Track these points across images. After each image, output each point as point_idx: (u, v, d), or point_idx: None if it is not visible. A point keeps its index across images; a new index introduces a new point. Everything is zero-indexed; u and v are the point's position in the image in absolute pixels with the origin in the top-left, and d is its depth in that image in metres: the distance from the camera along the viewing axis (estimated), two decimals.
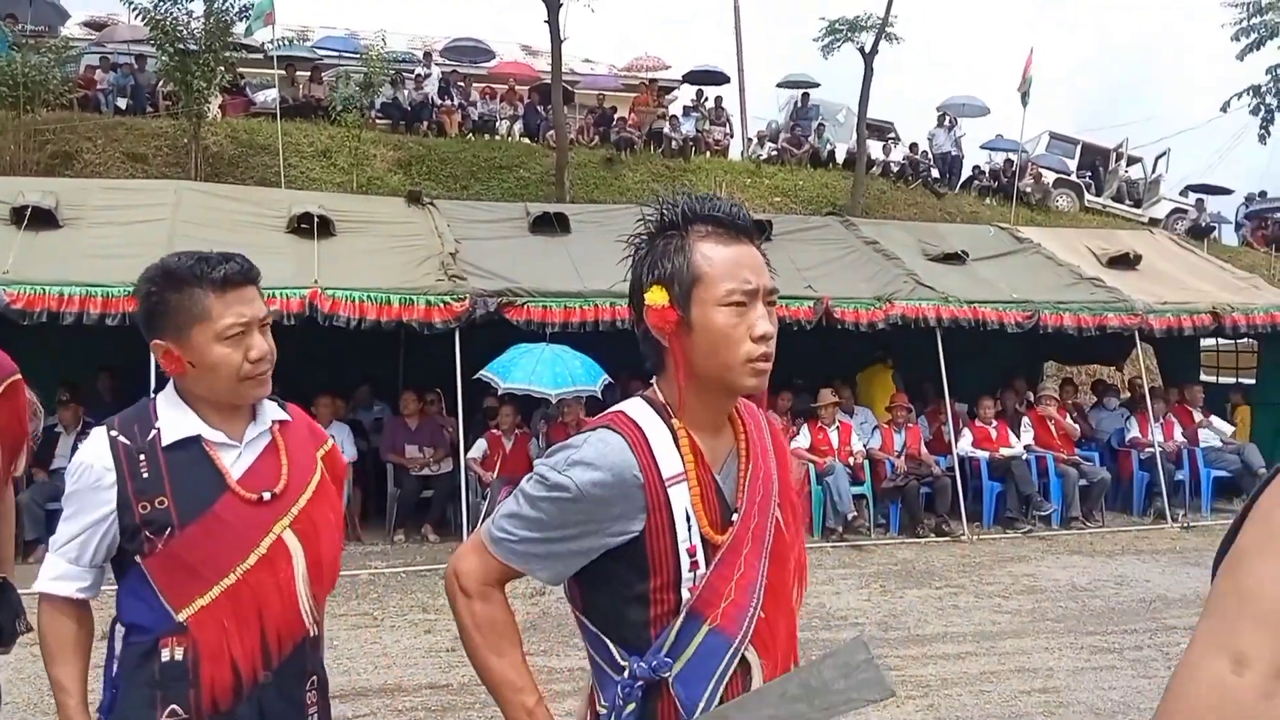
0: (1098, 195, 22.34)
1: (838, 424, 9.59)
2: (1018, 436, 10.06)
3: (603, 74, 24.44)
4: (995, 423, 10.02)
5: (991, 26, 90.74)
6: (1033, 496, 9.57)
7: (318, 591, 1.99)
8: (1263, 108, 21.85)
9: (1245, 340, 12.20)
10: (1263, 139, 22.21)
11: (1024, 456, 9.78)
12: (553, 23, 15.16)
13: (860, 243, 10.99)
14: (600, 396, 9.01)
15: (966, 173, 21.42)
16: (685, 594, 1.55)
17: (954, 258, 10.80)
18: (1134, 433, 10.54)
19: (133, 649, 1.90)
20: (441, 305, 8.26)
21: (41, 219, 8.43)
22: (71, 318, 7.52)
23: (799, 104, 21.33)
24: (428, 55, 19.94)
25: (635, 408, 1.64)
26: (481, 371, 8.33)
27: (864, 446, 9.64)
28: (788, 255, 10.35)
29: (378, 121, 17.34)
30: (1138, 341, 10.70)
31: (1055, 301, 10.07)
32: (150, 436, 1.92)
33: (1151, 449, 10.06)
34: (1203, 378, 12.60)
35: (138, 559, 1.88)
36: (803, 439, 9.45)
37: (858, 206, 16.39)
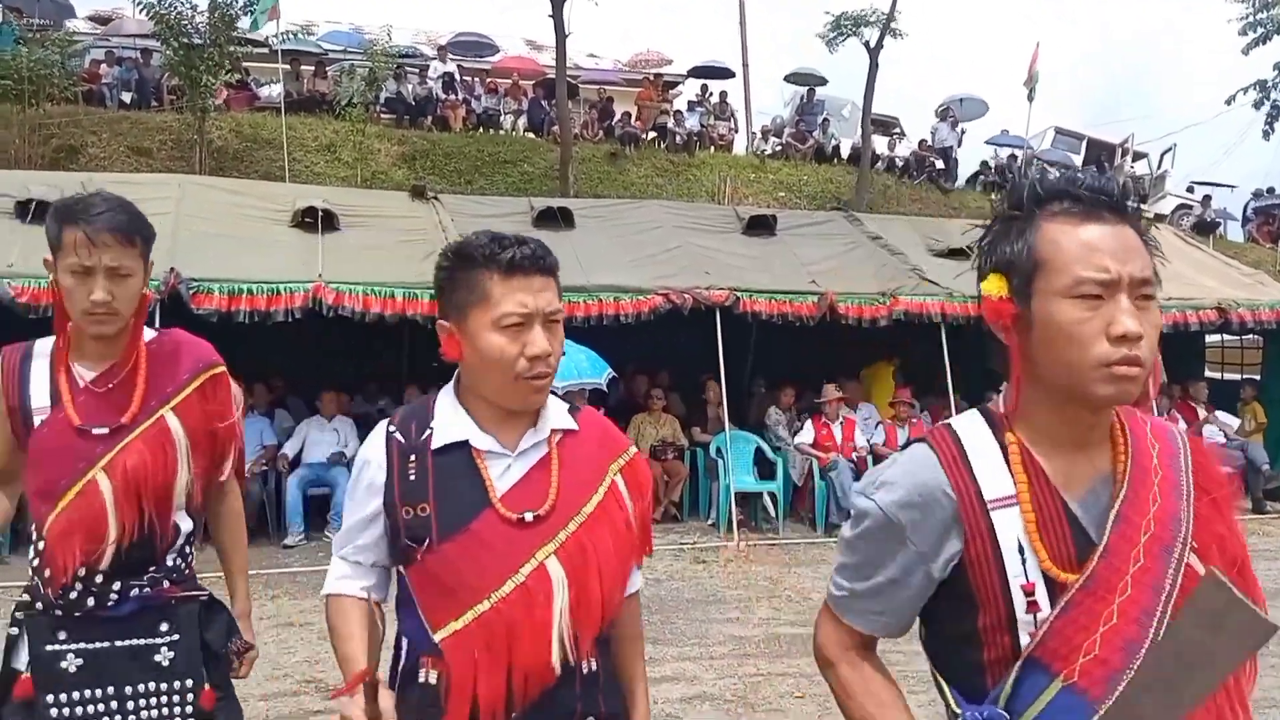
0: None
1: (842, 419, 9.60)
2: None
3: (607, 68, 24.43)
4: None
5: (996, 21, 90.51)
6: None
7: (582, 631, 1.71)
8: (1268, 103, 21.76)
9: (1251, 336, 12.17)
10: (1267, 135, 22.12)
11: None
12: (557, 17, 15.14)
13: (865, 238, 10.99)
14: (606, 390, 9.04)
15: (965, 166, 21.39)
16: (1024, 638, 1.33)
17: (959, 253, 10.78)
18: None
19: (402, 663, 1.78)
20: None
21: (46, 213, 8.44)
22: None
23: (805, 99, 21.28)
24: (442, 50, 19.93)
25: (965, 420, 1.45)
26: None
27: (868, 442, 9.65)
28: (792, 251, 10.36)
29: (382, 116, 17.34)
30: None
31: None
32: (424, 436, 1.78)
33: None
34: (1207, 374, 12.58)
35: (402, 567, 1.78)
36: (806, 434, 9.46)
37: (862, 202, 16.35)
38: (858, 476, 9.23)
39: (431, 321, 7.33)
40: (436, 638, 1.69)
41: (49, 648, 2.16)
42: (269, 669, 5.10)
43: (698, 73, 21.94)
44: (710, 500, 9.51)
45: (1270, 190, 23.01)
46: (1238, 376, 12.50)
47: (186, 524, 2.30)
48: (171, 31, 13.72)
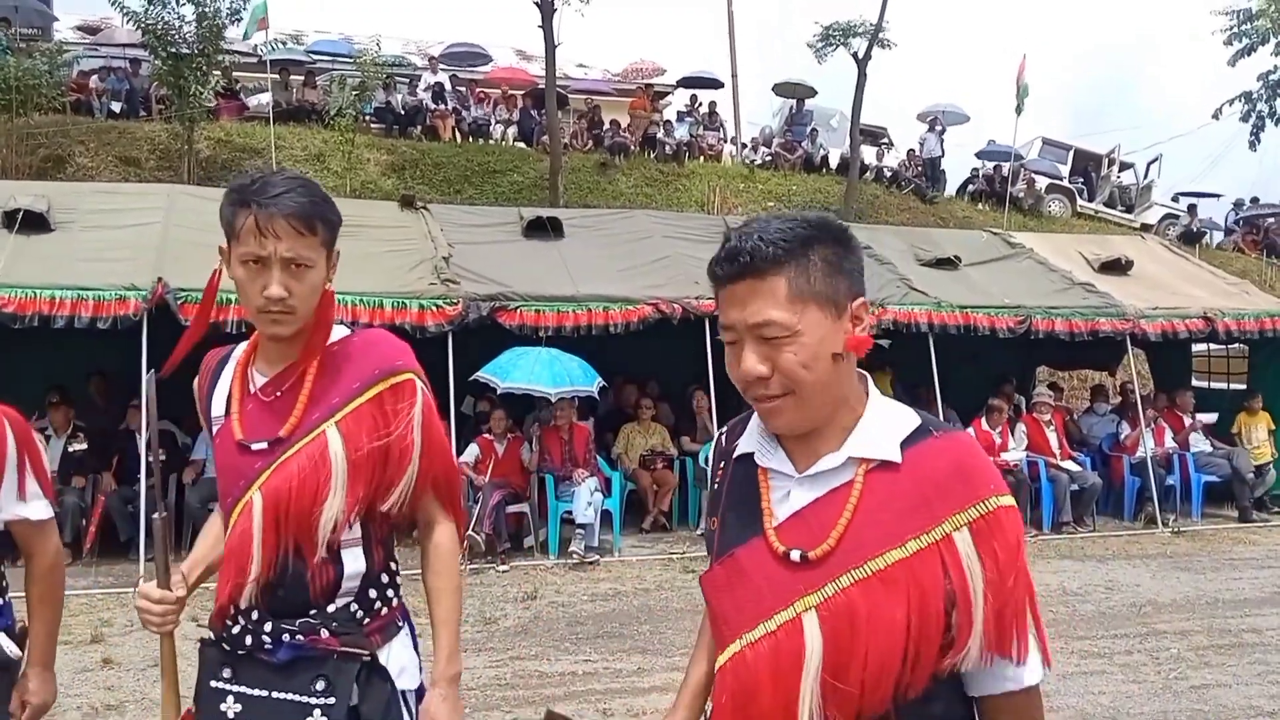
0: (1090, 201, 22.41)
1: None
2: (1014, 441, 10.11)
3: (597, 78, 24.48)
4: (1000, 428, 9.97)
5: (983, 31, 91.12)
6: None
7: (835, 711, 1.35)
8: (1254, 114, 21.94)
9: (1236, 346, 12.24)
10: (1253, 145, 22.31)
11: (1020, 462, 9.83)
12: (547, 28, 15.18)
13: None
14: (597, 397, 9.06)
15: (950, 174, 21.48)
16: None
17: (946, 263, 10.83)
18: (1125, 437, 10.58)
19: None
20: (434, 309, 8.27)
21: (33, 223, 8.41)
22: (63, 321, 7.50)
23: (793, 109, 21.38)
24: (433, 61, 19.96)
25: None
26: (479, 372, 8.34)
27: None
28: None
29: (371, 126, 17.35)
30: (1129, 347, 10.73)
31: (1047, 307, 10.10)
32: (736, 440, 1.56)
33: (1142, 454, 10.09)
34: (1194, 383, 12.64)
35: None
36: None
37: (851, 212, 16.42)
38: None
39: (421, 331, 7.34)
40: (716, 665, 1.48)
41: (213, 684, 1.92)
42: None
43: (687, 83, 22.02)
44: (699, 509, 9.51)
45: (1255, 200, 23.19)
46: (1224, 385, 12.56)
47: (357, 563, 1.97)
48: (160, 41, 13.71)
